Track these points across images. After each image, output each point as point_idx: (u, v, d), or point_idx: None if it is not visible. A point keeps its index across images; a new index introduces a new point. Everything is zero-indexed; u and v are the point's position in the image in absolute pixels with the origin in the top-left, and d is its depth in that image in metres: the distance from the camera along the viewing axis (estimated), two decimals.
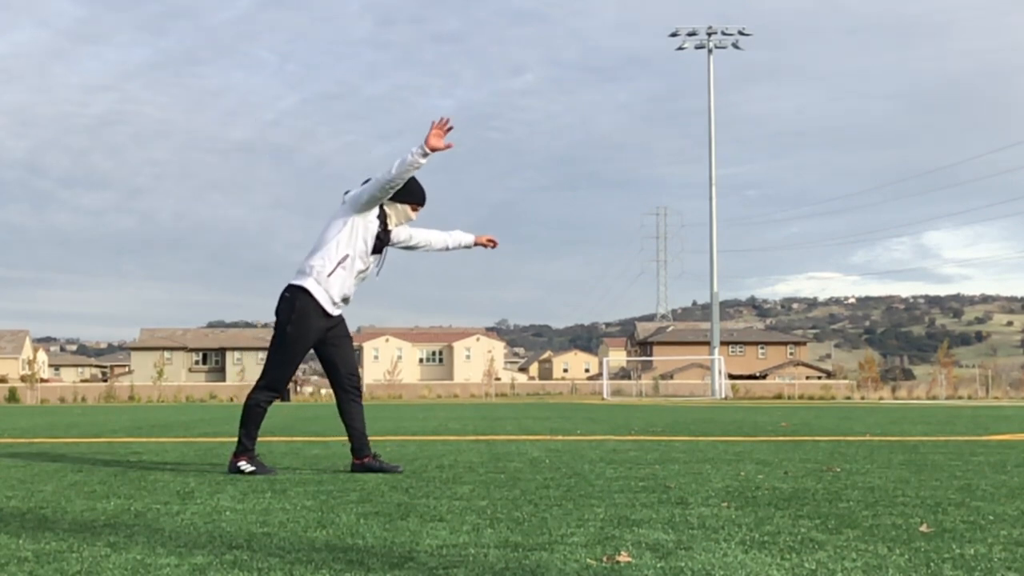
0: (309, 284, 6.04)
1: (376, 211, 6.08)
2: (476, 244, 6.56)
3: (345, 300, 6.15)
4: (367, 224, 6.04)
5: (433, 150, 5.75)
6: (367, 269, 6.15)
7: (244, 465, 6.12)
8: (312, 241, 6.16)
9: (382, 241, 6.13)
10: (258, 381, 6.26)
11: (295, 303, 6.06)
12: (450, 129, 5.75)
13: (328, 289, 6.03)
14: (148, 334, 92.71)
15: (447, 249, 6.51)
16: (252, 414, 6.23)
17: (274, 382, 6.22)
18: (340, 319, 6.22)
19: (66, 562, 3.14)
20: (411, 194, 6.11)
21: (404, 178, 5.88)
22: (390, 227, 6.19)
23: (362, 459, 6.22)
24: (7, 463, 7.18)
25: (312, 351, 6.25)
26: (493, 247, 6.65)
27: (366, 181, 6.01)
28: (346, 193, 6.10)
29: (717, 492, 4.98)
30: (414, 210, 6.21)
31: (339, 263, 6.02)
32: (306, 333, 6.08)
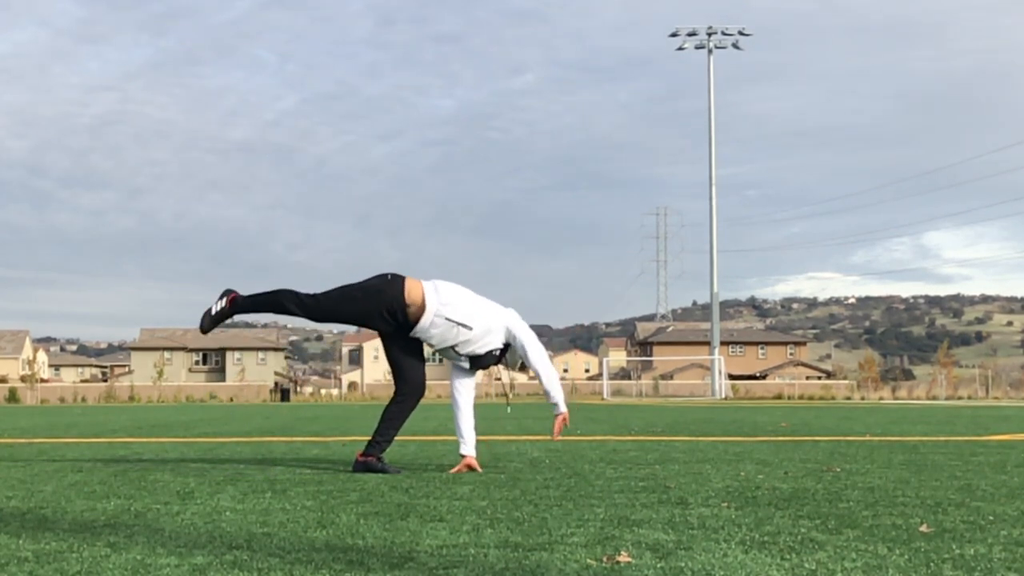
0: (429, 299, 6.00)
1: (504, 340, 6.16)
2: (464, 460, 6.27)
3: (423, 339, 6.14)
4: (498, 340, 6.13)
5: (556, 410, 6.24)
6: (457, 355, 6.12)
7: (216, 304, 6.12)
8: (463, 286, 6.19)
9: (485, 359, 6.15)
10: (308, 294, 6.17)
11: (389, 287, 6.02)
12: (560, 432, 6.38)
13: (432, 325, 6.02)
14: (148, 334, 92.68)
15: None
16: (276, 296, 6.13)
17: (315, 308, 6.10)
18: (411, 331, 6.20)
19: (66, 562, 3.14)
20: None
21: (537, 370, 6.16)
22: (503, 361, 6.24)
23: (367, 456, 6.22)
24: (7, 463, 7.18)
25: (382, 344, 6.28)
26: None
27: (539, 337, 6.28)
28: (517, 311, 6.23)
29: (717, 492, 4.98)
30: (523, 369, 6.46)
31: (460, 324, 6.01)
32: (368, 311, 6.04)
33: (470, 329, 6.02)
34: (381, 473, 6.09)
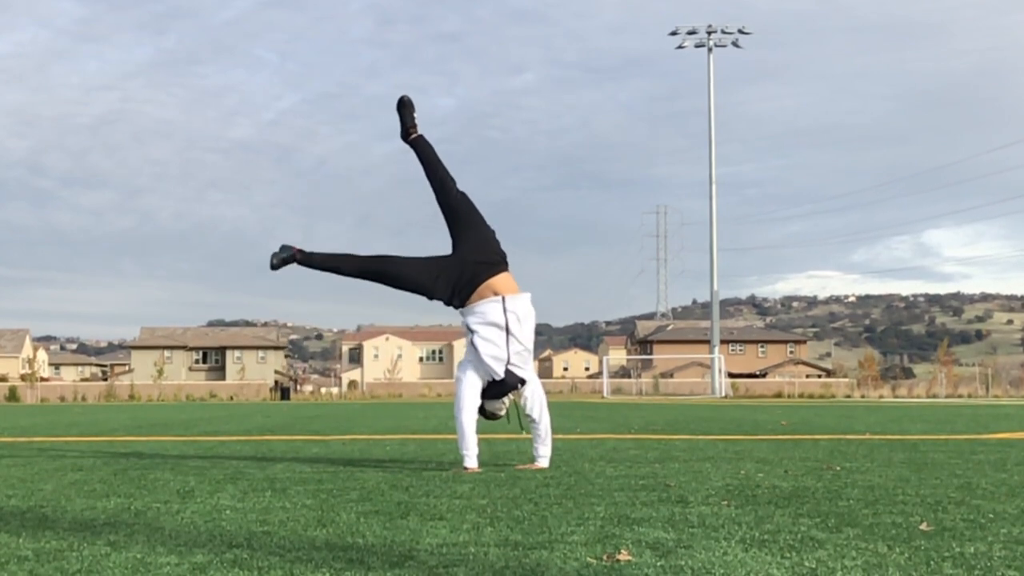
0: (514, 302, 6.17)
1: (526, 378, 6.21)
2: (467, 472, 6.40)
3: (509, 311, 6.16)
4: (527, 372, 6.24)
5: (540, 461, 6.33)
6: (504, 354, 6.10)
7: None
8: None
9: (509, 382, 6.18)
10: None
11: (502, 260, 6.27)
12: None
13: (523, 311, 6.13)
14: (148, 333, 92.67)
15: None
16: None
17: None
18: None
19: (66, 561, 3.14)
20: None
21: (545, 423, 6.31)
22: (500, 404, 6.32)
23: (301, 250, 6.33)
24: (7, 462, 7.19)
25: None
26: None
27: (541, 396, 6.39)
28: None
29: (717, 490, 4.98)
30: (491, 415, 6.41)
31: (535, 332, 6.27)
32: (478, 240, 6.26)
33: (531, 339, 6.22)
34: (285, 255, 6.27)
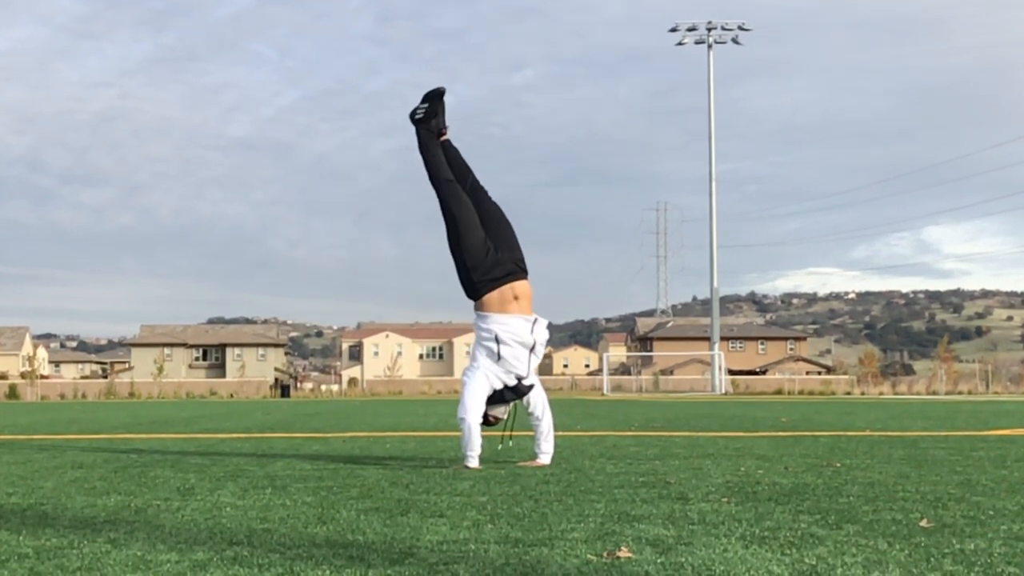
0: (540, 326, 6.25)
1: (519, 377, 6.21)
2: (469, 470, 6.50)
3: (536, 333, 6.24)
4: (535, 379, 6.34)
5: (542, 458, 6.37)
6: (522, 363, 6.16)
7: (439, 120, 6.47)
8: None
9: (521, 386, 6.23)
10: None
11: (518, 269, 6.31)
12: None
13: (542, 334, 6.23)
14: (148, 330, 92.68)
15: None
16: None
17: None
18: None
19: (67, 558, 3.14)
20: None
21: (549, 422, 6.42)
22: (503, 409, 6.36)
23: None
24: (7, 460, 7.19)
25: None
26: None
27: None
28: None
29: (717, 488, 4.98)
30: (494, 420, 6.41)
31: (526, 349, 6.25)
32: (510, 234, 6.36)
33: (544, 351, 6.33)
34: (432, 108, 6.39)
